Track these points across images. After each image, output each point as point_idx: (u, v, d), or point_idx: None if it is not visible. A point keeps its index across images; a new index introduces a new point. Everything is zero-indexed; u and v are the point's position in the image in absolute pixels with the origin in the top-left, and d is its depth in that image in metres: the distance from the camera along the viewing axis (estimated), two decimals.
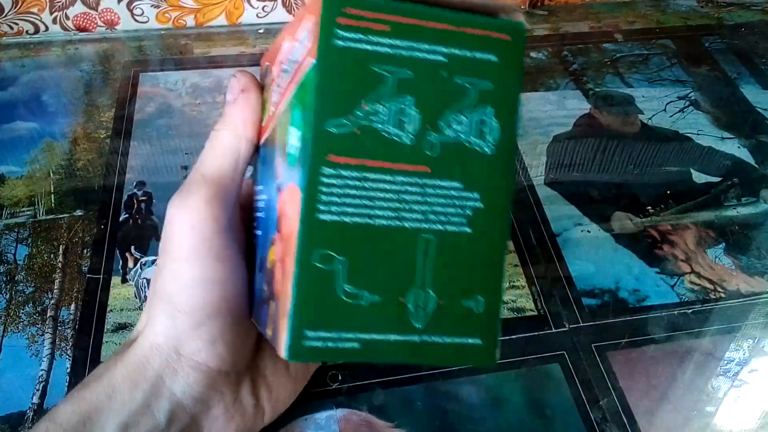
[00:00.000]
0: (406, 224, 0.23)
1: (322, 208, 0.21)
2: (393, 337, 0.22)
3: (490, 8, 0.23)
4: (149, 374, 0.28)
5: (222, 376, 0.29)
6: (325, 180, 0.22)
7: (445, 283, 0.23)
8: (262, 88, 0.31)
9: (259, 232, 0.30)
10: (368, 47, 0.22)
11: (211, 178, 0.28)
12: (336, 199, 0.22)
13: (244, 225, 0.32)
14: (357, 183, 0.22)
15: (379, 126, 0.22)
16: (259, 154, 0.31)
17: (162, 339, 0.28)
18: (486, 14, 0.23)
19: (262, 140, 0.31)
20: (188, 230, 0.27)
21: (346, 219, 0.22)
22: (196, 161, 0.30)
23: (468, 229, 0.23)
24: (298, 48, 0.24)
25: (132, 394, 0.27)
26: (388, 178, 0.22)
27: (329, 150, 0.22)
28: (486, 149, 0.23)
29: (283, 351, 0.22)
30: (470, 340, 0.23)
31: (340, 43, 0.21)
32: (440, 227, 0.23)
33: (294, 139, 0.23)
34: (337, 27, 0.21)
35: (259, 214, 0.30)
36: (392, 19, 0.22)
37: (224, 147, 0.29)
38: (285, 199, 0.24)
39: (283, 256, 0.23)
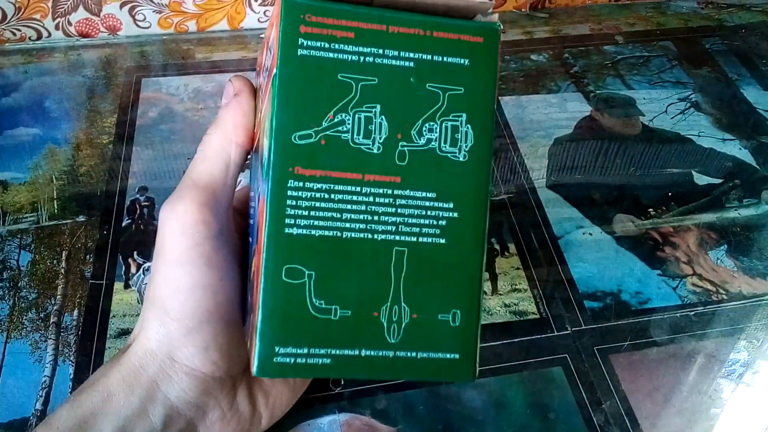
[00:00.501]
0: (378, 236, 0.22)
1: (289, 221, 0.21)
2: (365, 352, 0.22)
3: (463, 10, 0.23)
4: (144, 379, 0.28)
5: (217, 381, 0.29)
6: (292, 193, 0.21)
7: (420, 297, 0.22)
8: (256, 92, 0.31)
9: (250, 240, 0.30)
10: (332, 55, 0.21)
11: (201, 183, 0.28)
12: (303, 212, 0.21)
13: (239, 230, 0.32)
14: (324, 195, 0.21)
15: (346, 136, 0.22)
16: (251, 160, 0.31)
17: (155, 345, 0.28)
18: (460, 17, 0.23)
19: (254, 147, 0.31)
20: (178, 235, 0.27)
21: (315, 232, 0.21)
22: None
23: (442, 240, 0.23)
24: (267, 56, 0.24)
25: (128, 398, 0.27)
26: (356, 189, 0.22)
27: (295, 162, 0.21)
28: (459, 156, 0.23)
29: (253, 367, 0.21)
30: (447, 355, 0.23)
31: (303, 51, 0.21)
32: (413, 239, 0.22)
33: (265, 149, 0.23)
34: (300, 36, 0.21)
35: (250, 221, 0.30)
36: (356, 26, 0.21)
37: (215, 151, 0.29)
38: (260, 210, 0.23)
39: (257, 268, 0.23)
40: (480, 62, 0.22)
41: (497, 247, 0.46)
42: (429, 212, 0.22)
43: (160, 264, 0.28)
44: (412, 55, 0.22)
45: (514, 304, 0.43)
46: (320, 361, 0.22)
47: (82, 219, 0.47)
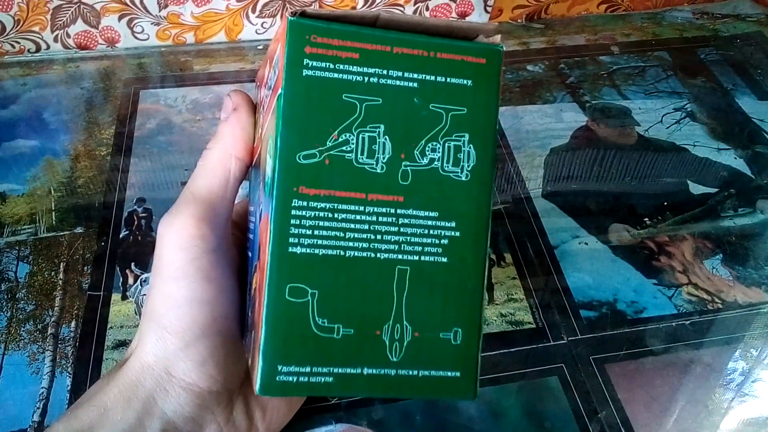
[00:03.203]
0: (380, 255, 0.22)
1: (293, 240, 0.21)
2: (367, 371, 0.22)
3: (465, 31, 0.23)
4: (141, 394, 0.28)
5: (213, 396, 0.29)
6: (296, 212, 0.21)
7: (422, 315, 0.22)
8: (255, 106, 0.31)
9: (249, 254, 0.30)
10: (337, 76, 0.21)
11: (200, 197, 0.28)
12: (307, 231, 0.21)
13: (238, 244, 0.32)
14: (328, 214, 0.22)
15: (350, 156, 0.22)
16: (250, 174, 0.31)
17: (152, 359, 0.28)
18: (462, 37, 0.23)
19: (254, 161, 0.31)
20: (176, 249, 0.28)
21: (318, 251, 0.22)
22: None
23: (444, 259, 0.23)
24: (271, 75, 0.24)
25: (124, 413, 0.27)
26: (359, 208, 0.22)
27: (299, 182, 0.21)
28: (462, 177, 0.23)
29: (255, 385, 0.21)
30: (449, 373, 0.23)
31: (308, 72, 0.21)
32: (415, 258, 0.22)
33: (269, 168, 0.23)
34: (305, 56, 0.21)
35: (250, 236, 0.30)
36: (361, 47, 0.22)
37: (214, 165, 0.29)
38: (262, 228, 0.24)
39: (259, 285, 0.23)
40: (483, 83, 0.23)
41: (493, 257, 0.47)
42: (431, 231, 0.23)
43: (158, 278, 0.28)
44: (415, 75, 0.22)
45: (511, 314, 0.43)
46: (323, 379, 0.22)
47: (80, 230, 0.47)
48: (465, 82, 0.23)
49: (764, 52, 0.66)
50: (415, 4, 0.64)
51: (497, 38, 0.23)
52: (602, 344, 0.42)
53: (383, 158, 0.22)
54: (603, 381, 0.40)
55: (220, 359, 0.29)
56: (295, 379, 0.21)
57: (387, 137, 0.22)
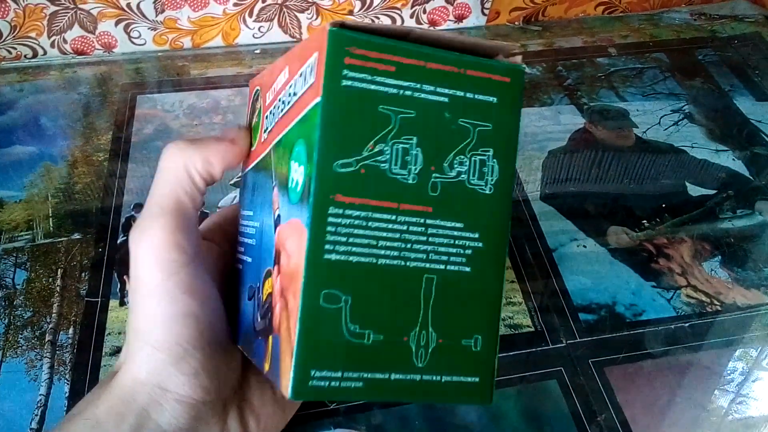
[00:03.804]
0: (410, 264, 0.23)
1: (328, 247, 0.21)
2: (395, 376, 0.23)
3: (488, 49, 0.24)
4: (134, 408, 0.27)
5: (208, 406, 0.29)
6: (332, 220, 0.22)
7: (446, 322, 0.23)
8: (250, 126, 0.31)
9: (247, 259, 0.30)
10: (373, 87, 0.22)
11: (169, 208, 0.28)
12: (342, 238, 0.22)
13: (216, 249, 0.32)
14: (362, 222, 0.22)
15: (384, 166, 0.22)
16: (246, 178, 0.31)
17: (144, 375, 0.28)
18: (485, 55, 0.24)
19: (251, 165, 0.31)
20: (152, 266, 0.27)
21: (352, 258, 0.22)
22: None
23: (467, 269, 0.23)
24: (299, 81, 0.24)
25: (118, 427, 0.27)
26: (392, 217, 0.22)
27: (336, 190, 0.22)
28: (486, 190, 0.23)
29: (287, 390, 0.21)
30: (468, 379, 0.24)
31: (347, 83, 0.22)
32: (441, 267, 0.23)
33: (298, 174, 0.23)
34: (344, 67, 0.22)
35: (247, 240, 0.30)
36: (397, 60, 0.22)
37: (178, 176, 0.29)
38: (286, 234, 0.24)
39: (283, 291, 0.23)
40: (507, 101, 0.23)
41: None
42: (457, 242, 0.23)
43: (137, 296, 0.28)
44: (447, 90, 0.23)
45: (509, 318, 0.43)
46: (353, 384, 0.22)
47: (78, 236, 0.47)
48: (491, 99, 0.23)
49: (762, 53, 0.66)
50: (412, 7, 0.64)
51: (519, 58, 0.24)
52: (601, 347, 0.42)
53: (415, 169, 0.22)
54: (602, 384, 0.40)
55: (211, 370, 0.28)
56: (326, 384, 0.22)
57: (419, 149, 0.22)
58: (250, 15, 0.61)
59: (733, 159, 0.55)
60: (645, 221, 0.50)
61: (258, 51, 0.63)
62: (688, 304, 0.45)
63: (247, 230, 0.30)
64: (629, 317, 0.44)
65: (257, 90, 0.32)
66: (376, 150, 0.22)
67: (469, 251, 0.23)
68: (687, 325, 0.43)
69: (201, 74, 0.60)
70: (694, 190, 0.52)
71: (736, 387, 0.41)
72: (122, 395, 0.28)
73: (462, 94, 0.23)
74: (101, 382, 0.30)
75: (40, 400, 0.38)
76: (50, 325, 0.42)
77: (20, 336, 0.41)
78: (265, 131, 0.29)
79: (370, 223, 0.22)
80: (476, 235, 0.23)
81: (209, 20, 0.61)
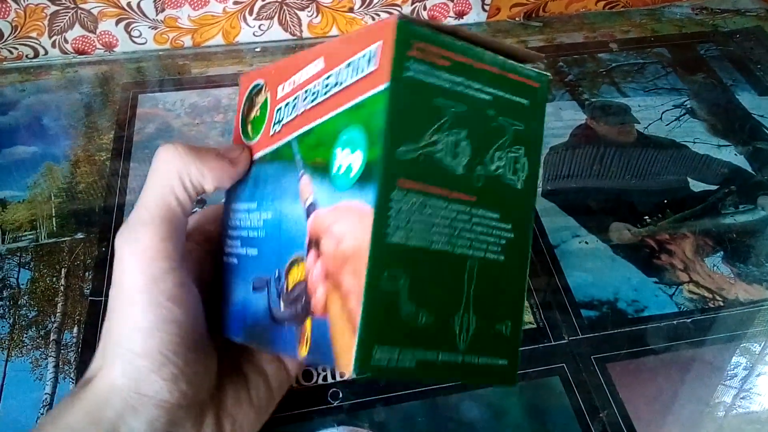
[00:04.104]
0: (456, 250, 0.24)
1: (390, 231, 0.22)
2: (441, 356, 0.24)
3: (520, 56, 0.25)
4: (109, 414, 0.27)
5: (184, 410, 0.29)
6: (394, 203, 0.23)
7: (483, 307, 0.24)
8: (245, 120, 0.31)
9: (248, 252, 0.30)
10: (431, 80, 0.23)
11: (159, 215, 0.28)
12: (402, 222, 0.23)
13: (194, 251, 0.32)
14: (420, 207, 0.23)
15: (439, 155, 0.23)
16: (249, 172, 0.31)
17: (120, 381, 0.27)
18: (517, 59, 0.25)
19: (256, 157, 0.31)
20: (137, 272, 0.27)
21: (409, 242, 0.23)
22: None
23: (502, 257, 0.25)
24: (345, 71, 0.25)
25: None
26: (444, 204, 0.24)
27: (399, 174, 0.23)
28: (518, 185, 0.25)
29: (349, 367, 0.22)
30: (499, 361, 0.25)
31: (410, 73, 0.23)
32: (481, 254, 0.24)
33: (350, 160, 0.24)
34: (409, 58, 0.23)
35: (248, 234, 0.30)
36: (452, 57, 0.24)
37: (171, 183, 0.29)
38: (331, 218, 0.24)
39: (331, 274, 0.24)
40: (536, 104, 0.25)
41: None
42: (494, 231, 0.25)
43: (118, 302, 0.28)
44: (490, 90, 0.24)
45: None
46: (407, 363, 0.23)
47: (81, 236, 0.47)
48: (524, 101, 0.25)
49: (764, 47, 0.66)
50: (412, 3, 0.64)
51: (542, 66, 0.26)
52: (603, 343, 0.42)
53: (463, 161, 0.24)
54: (604, 380, 0.40)
55: (191, 374, 0.28)
56: (385, 362, 0.22)
57: (468, 142, 0.24)
58: (251, 13, 0.61)
59: (735, 154, 0.55)
60: (647, 217, 0.50)
61: (258, 49, 0.63)
62: (691, 299, 0.45)
63: (248, 223, 0.30)
64: (631, 313, 0.44)
65: (259, 83, 0.32)
66: (433, 139, 0.23)
67: (503, 241, 0.25)
68: (689, 320, 0.43)
69: (202, 73, 0.60)
70: (696, 186, 0.52)
71: (738, 383, 0.41)
72: (97, 401, 0.27)
73: (502, 94, 0.25)
74: (75, 389, 0.29)
75: (46, 398, 0.39)
76: (55, 325, 0.42)
77: (25, 335, 0.42)
78: (276, 123, 0.29)
79: (425, 209, 0.23)
80: (509, 227, 0.25)
81: (209, 19, 0.61)
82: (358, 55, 0.24)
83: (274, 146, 0.29)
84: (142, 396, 0.27)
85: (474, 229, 0.24)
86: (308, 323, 0.25)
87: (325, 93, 0.26)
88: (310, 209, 0.26)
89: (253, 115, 0.31)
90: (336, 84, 0.26)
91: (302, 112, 0.27)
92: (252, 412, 0.33)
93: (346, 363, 0.22)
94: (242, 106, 0.33)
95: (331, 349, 0.23)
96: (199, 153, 0.29)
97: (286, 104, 0.29)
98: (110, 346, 0.28)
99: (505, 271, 0.25)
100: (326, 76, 0.26)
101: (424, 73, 0.23)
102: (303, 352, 0.25)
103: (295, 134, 0.27)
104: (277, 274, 0.28)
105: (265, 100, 0.31)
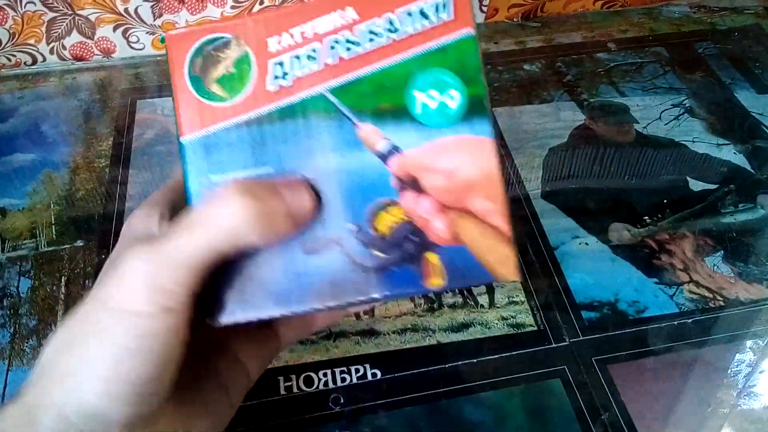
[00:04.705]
0: None
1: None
2: None
3: None
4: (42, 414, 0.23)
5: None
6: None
7: None
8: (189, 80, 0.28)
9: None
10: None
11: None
12: None
13: None
14: None
15: None
16: (234, 134, 0.28)
17: (70, 406, 0.23)
18: None
19: (245, 117, 0.28)
20: (148, 293, 0.23)
21: None
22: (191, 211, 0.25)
23: None
24: (405, 19, 0.27)
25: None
26: None
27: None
28: None
29: (515, 272, 0.26)
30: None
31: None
32: None
33: (440, 100, 0.27)
34: None
35: None
36: None
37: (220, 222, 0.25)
38: (433, 154, 0.27)
39: (452, 204, 0.26)
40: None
41: None
42: None
43: (107, 320, 0.23)
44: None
45: (512, 317, 0.43)
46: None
47: (81, 243, 0.47)
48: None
49: (762, 45, 0.65)
50: None
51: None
52: (604, 345, 0.42)
53: None
54: (605, 382, 0.40)
55: (155, 401, 0.25)
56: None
57: None
58: (249, 16, 0.61)
59: (735, 152, 0.55)
60: (646, 217, 0.49)
61: None
62: (691, 299, 0.45)
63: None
64: (632, 314, 0.44)
65: (223, 37, 0.29)
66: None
67: None
68: (690, 321, 0.43)
69: None
70: (696, 185, 0.52)
71: (740, 382, 0.41)
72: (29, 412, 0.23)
73: None
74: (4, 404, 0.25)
75: None
76: None
77: (26, 344, 0.42)
78: (280, 78, 0.27)
79: None
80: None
81: (207, 23, 0.61)
82: (420, 4, 0.26)
83: (284, 102, 0.27)
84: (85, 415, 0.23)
85: None
86: (431, 256, 0.27)
87: (372, 41, 0.27)
88: (389, 154, 0.27)
89: (218, 72, 0.28)
90: (392, 31, 0.27)
91: (337, 63, 0.27)
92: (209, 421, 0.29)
93: (509, 271, 0.26)
94: (186, 64, 0.29)
95: (483, 267, 0.26)
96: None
97: (296, 56, 0.28)
98: (73, 363, 0.24)
99: None
100: (368, 23, 0.27)
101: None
102: (437, 281, 0.27)
103: (328, 85, 0.27)
104: (354, 228, 0.27)
105: (245, 55, 0.28)
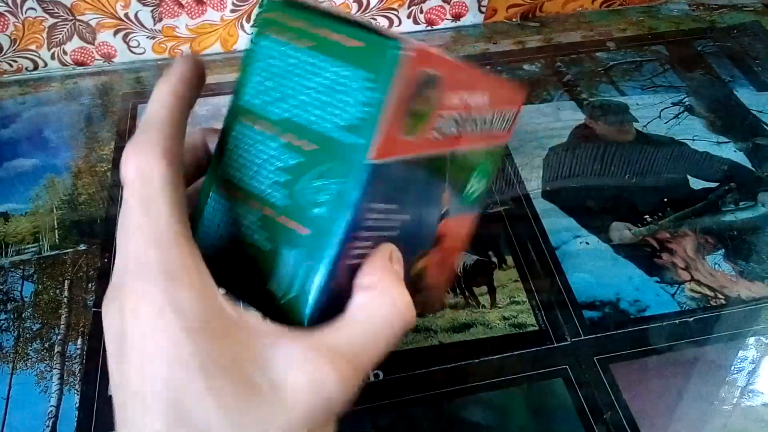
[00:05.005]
0: None
1: None
2: None
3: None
4: None
5: None
6: None
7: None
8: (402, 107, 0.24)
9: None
10: None
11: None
12: None
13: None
14: None
15: None
16: (391, 169, 0.25)
17: None
18: None
19: (406, 156, 0.26)
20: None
21: None
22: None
23: None
24: (497, 118, 0.31)
25: None
26: None
27: None
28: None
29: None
30: None
31: None
32: None
33: (478, 185, 0.33)
34: None
35: (379, 235, 0.26)
36: None
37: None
38: (454, 224, 0.32)
39: (450, 256, 0.34)
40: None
41: (495, 260, 0.47)
42: None
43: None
44: None
45: (514, 317, 0.43)
46: None
47: (83, 247, 0.47)
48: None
49: (762, 43, 0.66)
50: (409, 7, 0.64)
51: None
52: (606, 344, 0.42)
53: None
54: (607, 381, 0.40)
55: None
56: None
57: None
58: (248, 21, 0.62)
59: (735, 150, 0.55)
60: (647, 216, 0.50)
61: None
62: (693, 298, 0.45)
63: (386, 224, 0.27)
64: (633, 313, 0.44)
65: (434, 75, 0.25)
66: None
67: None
68: (692, 319, 0.43)
69: None
70: (696, 183, 0.52)
71: (742, 380, 0.41)
72: None
73: None
74: None
75: (51, 411, 0.39)
76: (59, 337, 0.42)
77: (30, 348, 0.42)
78: (435, 130, 0.26)
79: None
80: None
81: (207, 27, 0.61)
82: (505, 110, 0.31)
83: (429, 153, 0.26)
84: None
85: None
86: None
87: (481, 128, 0.30)
88: (442, 216, 0.31)
89: (416, 107, 0.25)
90: (488, 123, 0.30)
91: (464, 134, 0.28)
92: None
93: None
94: (412, 91, 0.25)
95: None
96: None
97: (453, 118, 0.27)
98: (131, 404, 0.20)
99: None
100: (489, 113, 0.30)
101: None
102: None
103: (451, 150, 0.28)
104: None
105: (435, 99, 0.26)
